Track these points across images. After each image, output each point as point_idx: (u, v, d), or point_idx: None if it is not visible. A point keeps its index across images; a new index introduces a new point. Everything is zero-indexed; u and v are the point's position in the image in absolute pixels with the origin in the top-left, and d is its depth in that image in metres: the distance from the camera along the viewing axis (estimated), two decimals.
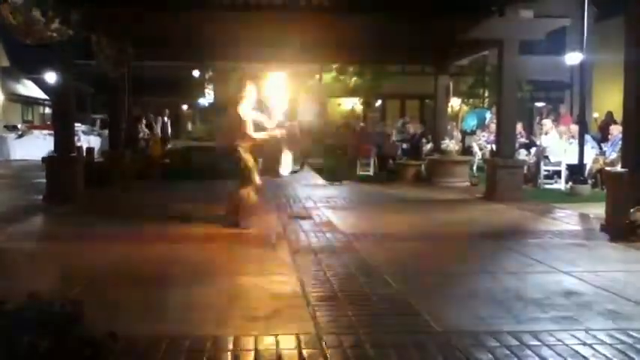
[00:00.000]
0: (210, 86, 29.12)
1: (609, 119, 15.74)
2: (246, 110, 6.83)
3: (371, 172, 14.78)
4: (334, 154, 16.32)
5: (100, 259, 5.44)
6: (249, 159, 6.81)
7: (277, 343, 3.34)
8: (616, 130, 11.76)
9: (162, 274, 4.89)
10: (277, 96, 6.94)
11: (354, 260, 5.45)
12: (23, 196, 10.38)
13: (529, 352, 3.23)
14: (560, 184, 11.88)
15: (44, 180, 9.66)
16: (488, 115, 17.00)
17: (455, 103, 20.45)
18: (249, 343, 3.33)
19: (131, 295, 4.28)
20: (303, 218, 7.92)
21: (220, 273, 4.97)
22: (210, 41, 11.91)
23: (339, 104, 25.03)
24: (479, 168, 14.41)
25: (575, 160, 11.38)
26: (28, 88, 32.71)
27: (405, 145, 16.34)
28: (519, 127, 13.34)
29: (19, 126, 25.69)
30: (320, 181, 13.22)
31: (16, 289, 3.38)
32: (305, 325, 3.65)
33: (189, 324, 3.65)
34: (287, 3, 9.80)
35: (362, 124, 17.95)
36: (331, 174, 14.03)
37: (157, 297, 4.24)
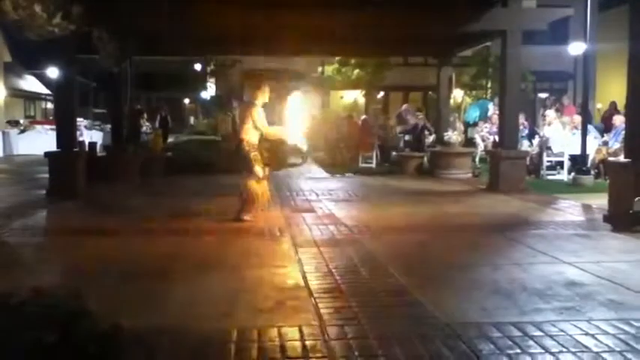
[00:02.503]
0: (212, 80, 29.06)
1: (613, 109, 15.69)
2: (259, 108, 6.97)
3: (373, 165, 14.78)
4: (336, 146, 16.31)
5: (104, 254, 5.47)
6: (253, 151, 6.86)
7: (281, 334, 3.36)
8: (619, 121, 11.73)
9: (166, 267, 4.90)
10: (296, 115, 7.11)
11: (356, 252, 5.46)
12: (26, 191, 10.41)
13: (532, 343, 3.23)
14: (563, 175, 11.86)
15: (47, 175, 9.68)
16: (490, 106, 16.95)
17: (457, 94, 20.38)
18: (252, 335, 3.35)
19: (135, 289, 4.30)
20: (306, 211, 7.93)
21: (224, 266, 4.99)
22: (212, 35, 11.89)
23: (342, 97, 24.95)
24: (481, 159, 14.39)
25: (577, 151, 11.35)
26: (30, 83, 32.72)
27: (407, 137, 16.30)
28: (521, 118, 13.29)
29: (22, 121, 25.73)
30: (322, 173, 13.23)
31: (20, 283, 3.40)
32: (308, 316, 3.66)
33: (194, 317, 3.66)
34: None
35: (365, 116, 17.91)
36: (333, 166, 14.03)
37: (161, 290, 4.25)
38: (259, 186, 6.94)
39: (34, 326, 2.45)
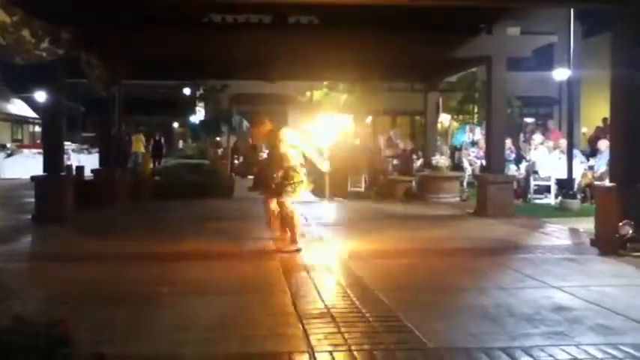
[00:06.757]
0: (201, 104, 29.14)
1: (600, 133, 15.87)
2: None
3: (362, 189, 14.78)
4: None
5: (89, 279, 5.39)
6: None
7: None
8: (604, 145, 11.87)
9: (152, 293, 4.84)
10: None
11: (346, 277, 5.44)
12: (12, 216, 10.30)
13: None
14: (550, 199, 11.94)
15: (33, 199, 9.58)
16: (471, 127, 17.22)
17: (445, 119, 20.56)
18: None
19: (120, 315, 4.23)
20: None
21: (211, 291, 4.94)
22: (201, 60, 11.95)
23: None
24: (469, 183, 14.46)
25: (564, 175, 11.45)
26: (18, 106, 32.61)
27: (395, 161, 16.38)
28: (509, 142, 13.42)
29: (9, 145, 25.58)
30: (311, 197, 13.20)
31: (2, 311, 3.34)
32: (297, 342, 3.63)
33: (180, 344, 3.61)
34: (276, 21, 9.88)
35: (358, 141, 17.98)
36: (322, 190, 14.01)
37: (147, 317, 4.19)
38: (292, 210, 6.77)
39: (16, 355, 2.41)
